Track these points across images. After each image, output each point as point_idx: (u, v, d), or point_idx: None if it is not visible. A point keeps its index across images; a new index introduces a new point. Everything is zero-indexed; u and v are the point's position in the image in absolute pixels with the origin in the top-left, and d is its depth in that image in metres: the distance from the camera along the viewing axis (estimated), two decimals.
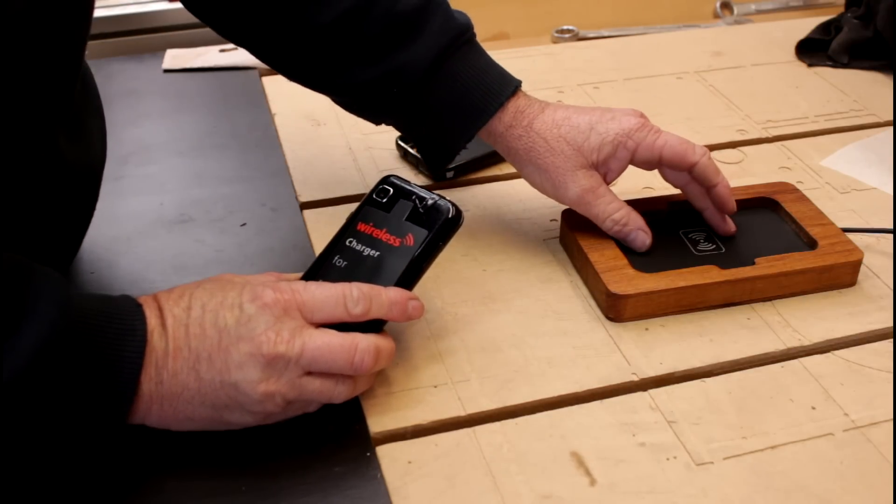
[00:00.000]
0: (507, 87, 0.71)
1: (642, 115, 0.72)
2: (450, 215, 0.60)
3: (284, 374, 0.52)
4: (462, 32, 0.70)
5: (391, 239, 0.60)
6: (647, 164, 0.70)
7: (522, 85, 0.72)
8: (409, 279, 0.59)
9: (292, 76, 0.73)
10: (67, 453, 0.52)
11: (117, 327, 0.51)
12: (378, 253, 0.59)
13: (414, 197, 0.61)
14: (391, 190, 0.61)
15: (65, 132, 0.63)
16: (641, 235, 0.69)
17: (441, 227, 0.59)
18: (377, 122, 0.74)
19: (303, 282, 0.56)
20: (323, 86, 0.73)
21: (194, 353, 0.52)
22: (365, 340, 0.54)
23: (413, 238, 0.59)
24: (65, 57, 0.59)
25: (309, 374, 0.53)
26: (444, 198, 0.60)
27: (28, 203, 0.60)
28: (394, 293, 0.57)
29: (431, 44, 0.68)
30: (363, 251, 0.59)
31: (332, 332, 0.54)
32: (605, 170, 0.70)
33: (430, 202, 0.60)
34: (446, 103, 0.70)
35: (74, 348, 0.49)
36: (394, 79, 0.68)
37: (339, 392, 0.55)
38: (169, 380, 0.52)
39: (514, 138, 0.70)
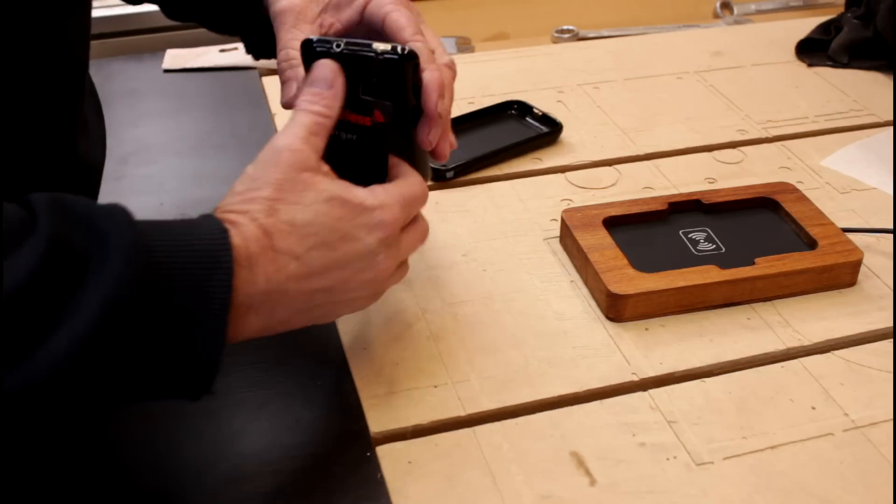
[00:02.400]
0: None
1: None
2: (403, 65, 0.55)
3: (387, 284, 0.56)
4: None
5: (359, 119, 0.57)
6: (371, 27, 0.62)
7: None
8: (405, 150, 0.58)
9: None
10: (160, 395, 0.48)
11: (199, 261, 0.46)
12: (354, 136, 0.57)
13: (357, 63, 0.55)
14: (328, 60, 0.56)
15: (75, 125, 0.63)
16: (292, 87, 0.61)
17: (403, 88, 0.56)
18: (199, 21, 0.74)
19: (392, 196, 0.55)
20: None
21: (318, 290, 0.52)
22: (424, 222, 0.59)
23: (381, 113, 0.56)
24: (73, 45, 0.60)
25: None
26: (386, 48, 0.55)
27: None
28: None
29: None
30: (339, 135, 0.56)
31: (414, 231, 0.57)
32: (334, 16, 0.63)
33: (378, 66, 0.55)
34: None
35: (148, 299, 0.44)
36: None
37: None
38: (282, 312, 0.51)
39: None
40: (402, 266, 0.58)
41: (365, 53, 0.55)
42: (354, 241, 0.52)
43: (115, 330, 0.43)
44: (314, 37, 0.57)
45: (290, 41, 0.63)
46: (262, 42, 0.72)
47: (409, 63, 0.55)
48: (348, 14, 0.63)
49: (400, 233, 0.55)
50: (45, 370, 0.41)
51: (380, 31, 0.61)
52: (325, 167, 0.53)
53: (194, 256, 0.46)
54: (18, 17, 0.53)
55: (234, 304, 0.47)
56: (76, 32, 0.60)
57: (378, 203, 0.54)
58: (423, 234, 0.59)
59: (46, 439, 0.46)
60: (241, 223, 0.49)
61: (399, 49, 0.55)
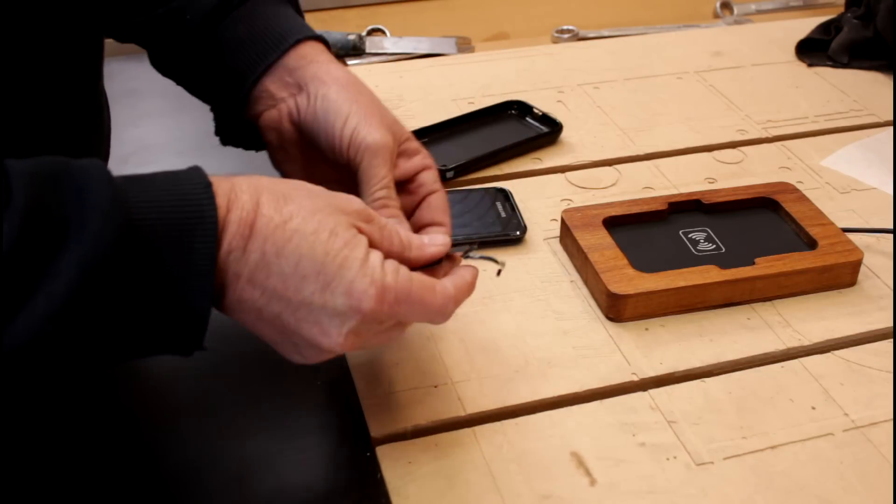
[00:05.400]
0: (308, 31, 0.65)
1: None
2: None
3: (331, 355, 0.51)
4: None
5: None
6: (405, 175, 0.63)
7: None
8: None
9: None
10: (154, 351, 0.47)
11: (182, 217, 0.44)
12: None
13: None
14: None
15: (68, 125, 0.63)
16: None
17: None
18: (178, 79, 0.70)
19: (408, 286, 0.49)
20: (125, 29, 0.69)
21: (265, 306, 0.48)
22: (401, 331, 0.54)
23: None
24: (85, 37, 0.60)
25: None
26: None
27: None
28: (466, 291, 0.54)
29: None
30: None
31: (388, 332, 0.51)
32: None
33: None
34: (243, 34, 0.64)
35: (129, 256, 0.43)
36: (186, 7, 0.65)
37: (394, 339, 0.54)
38: (234, 304, 0.47)
39: (334, 69, 0.63)
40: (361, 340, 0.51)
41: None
42: (325, 290, 0.47)
43: (96, 288, 0.42)
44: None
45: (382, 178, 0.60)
46: (236, 127, 0.68)
47: None
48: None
49: (375, 324, 0.50)
50: (25, 334, 0.41)
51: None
52: (364, 242, 0.49)
53: (176, 211, 0.45)
54: None
55: (220, 258, 0.46)
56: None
57: (377, 279, 0.48)
58: (393, 338, 0.53)
59: (39, 400, 0.46)
60: (242, 191, 0.47)
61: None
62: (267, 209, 0.47)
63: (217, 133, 0.70)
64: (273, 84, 0.63)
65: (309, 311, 0.48)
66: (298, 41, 0.63)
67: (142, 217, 0.44)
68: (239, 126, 0.67)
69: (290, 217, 0.47)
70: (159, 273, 0.44)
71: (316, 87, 0.62)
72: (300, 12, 0.70)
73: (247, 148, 0.69)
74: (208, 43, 0.66)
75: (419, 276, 0.51)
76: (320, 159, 0.62)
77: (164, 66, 0.71)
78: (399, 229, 0.53)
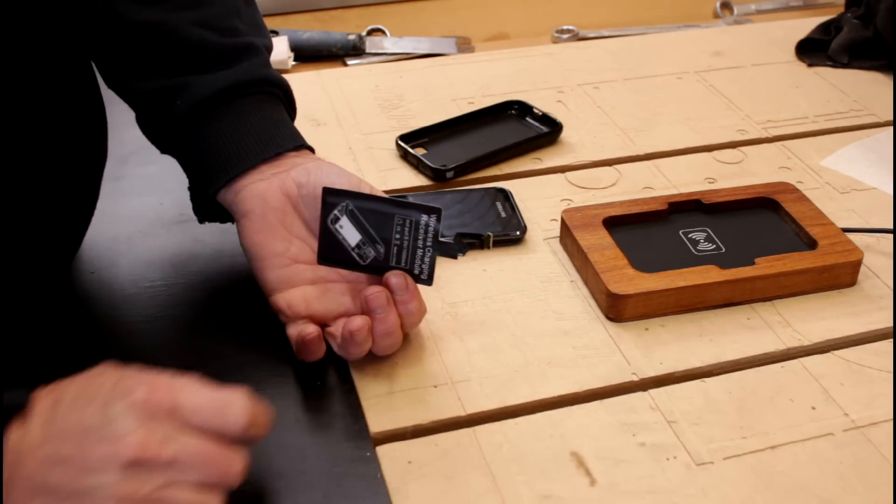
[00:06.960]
0: (298, 140, 0.68)
1: None
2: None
3: (149, 482, 0.46)
4: (268, 82, 0.68)
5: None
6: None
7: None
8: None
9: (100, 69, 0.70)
10: None
11: None
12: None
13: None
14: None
15: (67, 127, 0.63)
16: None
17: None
18: (161, 148, 0.71)
19: (185, 380, 0.49)
20: (118, 86, 0.70)
21: (51, 458, 0.45)
22: (239, 454, 0.49)
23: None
24: (62, 51, 0.60)
25: (176, 482, 0.47)
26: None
27: (30, 199, 0.60)
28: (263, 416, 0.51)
29: (230, 75, 0.66)
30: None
31: (207, 442, 0.48)
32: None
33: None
34: (226, 131, 0.66)
35: None
36: (178, 91, 0.66)
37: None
38: (18, 483, 0.45)
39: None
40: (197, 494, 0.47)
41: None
42: (100, 405, 0.46)
43: None
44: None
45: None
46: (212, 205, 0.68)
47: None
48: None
49: (176, 426, 0.47)
50: None
51: None
52: None
53: None
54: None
55: None
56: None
57: (148, 383, 0.48)
58: (220, 458, 0.48)
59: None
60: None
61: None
62: (40, 391, 0.48)
63: (195, 212, 0.71)
64: (265, 165, 0.65)
65: (88, 436, 0.46)
66: (290, 149, 0.66)
67: None
68: (214, 205, 0.68)
69: (59, 384, 0.48)
70: None
71: (314, 163, 0.66)
72: (291, 100, 0.72)
73: (223, 222, 0.70)
74: (192, 130, 0.67)
75: None
76: (298, 233, 0.64)
77: (148, 132, 0.71)
78: None
